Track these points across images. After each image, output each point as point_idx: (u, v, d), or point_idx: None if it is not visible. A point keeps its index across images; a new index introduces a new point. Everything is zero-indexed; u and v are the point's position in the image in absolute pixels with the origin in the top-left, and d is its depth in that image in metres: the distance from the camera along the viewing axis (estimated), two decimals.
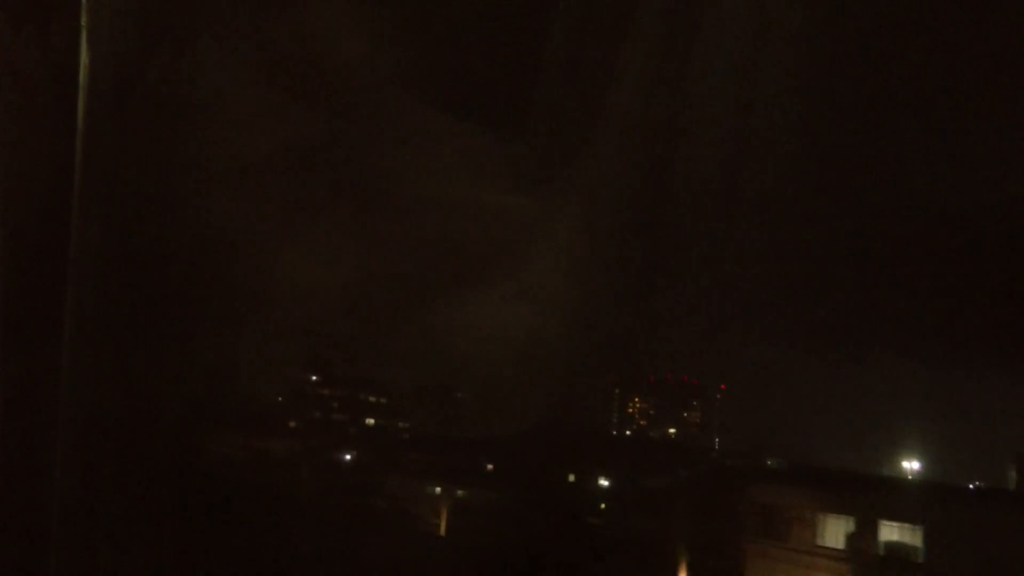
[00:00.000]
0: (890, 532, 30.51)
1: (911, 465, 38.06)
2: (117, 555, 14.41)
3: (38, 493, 11.02)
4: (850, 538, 30.92)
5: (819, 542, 31.47)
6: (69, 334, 11.09)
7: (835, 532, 31.28)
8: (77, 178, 11.26)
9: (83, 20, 11.49)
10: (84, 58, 11.47)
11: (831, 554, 31.15)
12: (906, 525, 30.04)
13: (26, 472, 10.93)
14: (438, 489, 40.38)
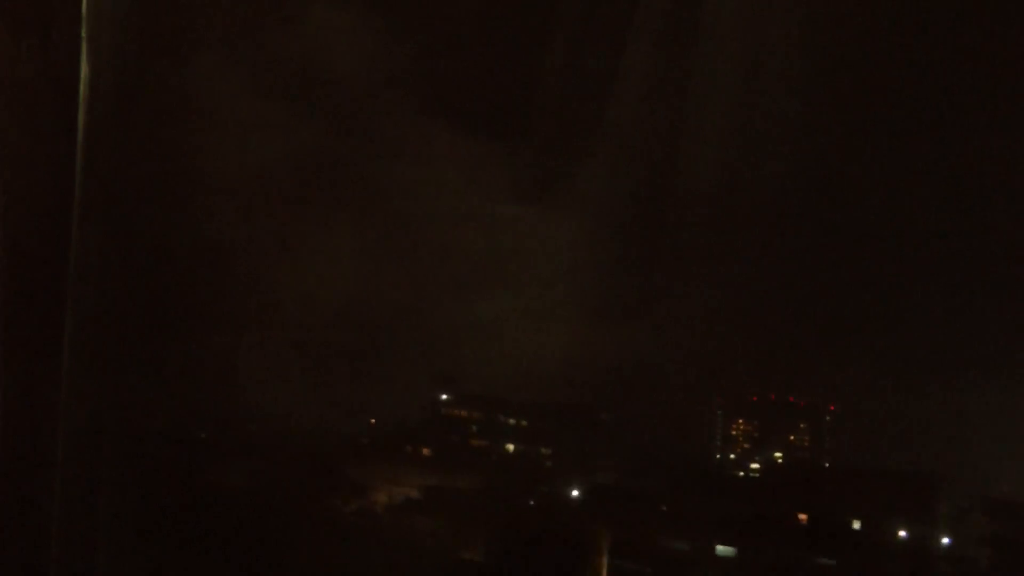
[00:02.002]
0: None
1: None
2: (117, 556, 14.52)
3: (39, 494, 11.14)
4: None
5: None
6: (70, 339, 11.22)
7: None
8: (78, 186, 11.40)
9: (83, 31, 11.65)
10: (84, 68, 11.61)
11: None
12: None
13: (27, 474, 11.06)
14: (730, 549, 31.54)
